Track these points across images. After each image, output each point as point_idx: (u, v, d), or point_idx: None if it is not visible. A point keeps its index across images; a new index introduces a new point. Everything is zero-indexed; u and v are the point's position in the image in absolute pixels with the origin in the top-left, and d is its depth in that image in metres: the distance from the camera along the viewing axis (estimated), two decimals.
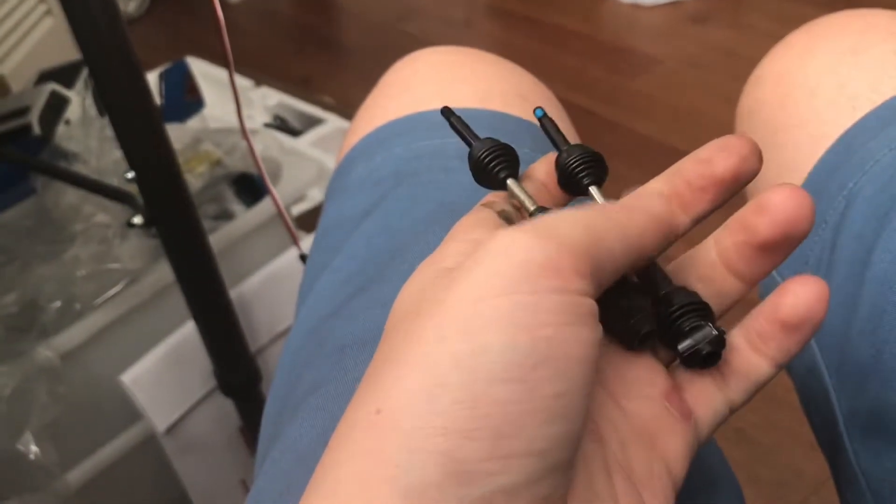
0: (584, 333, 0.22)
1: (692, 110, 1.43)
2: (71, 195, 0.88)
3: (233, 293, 0.81)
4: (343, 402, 0.33)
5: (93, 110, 1.00)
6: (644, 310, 0.26)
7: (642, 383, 0.26)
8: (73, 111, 1.03)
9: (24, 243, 0.88)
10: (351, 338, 0.36)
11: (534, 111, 0.31)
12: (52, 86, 1.04)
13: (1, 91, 1.17)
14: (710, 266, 0.27)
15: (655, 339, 0.26)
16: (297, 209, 1.20)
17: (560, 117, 0.47)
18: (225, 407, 0.86)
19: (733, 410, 0.27)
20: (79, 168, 0.89)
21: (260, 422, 0.40)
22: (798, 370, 0.40)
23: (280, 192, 0.89)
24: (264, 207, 0.92)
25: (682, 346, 0.25)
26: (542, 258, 0.22)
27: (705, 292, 0.27)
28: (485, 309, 0.21)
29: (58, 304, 0.82)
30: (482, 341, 0.21)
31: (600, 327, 0.22)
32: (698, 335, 0.25)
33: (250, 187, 0.98)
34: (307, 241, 0.89)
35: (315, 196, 1.25)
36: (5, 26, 1.23)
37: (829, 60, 0.41)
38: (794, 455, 0.93)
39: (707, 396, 0.26)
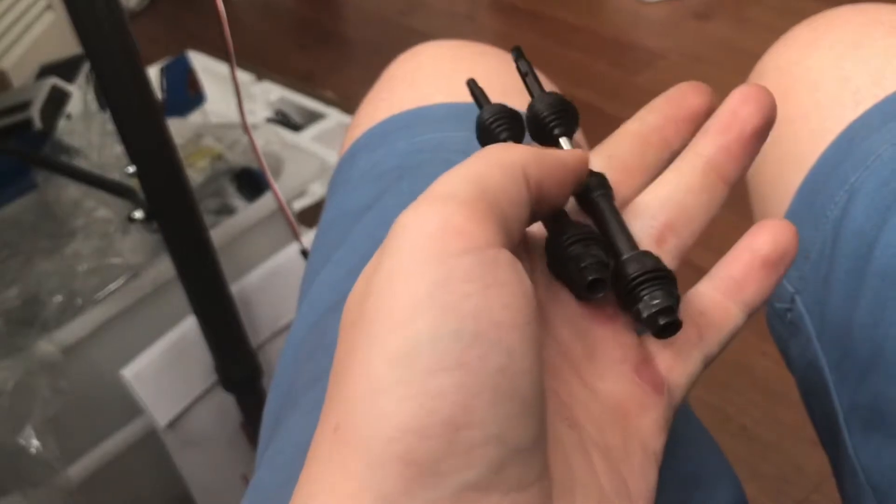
0: (508, 293, 0.21)
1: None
2: (72, 190, 0.88)
3: (234, 288, 0.81)
4: None
5: (94, 105, 1.00)
6: (595, 257, 0.25)
7: (612, 360, 0.25)
8: (74, 106, 1.02)
9: (26, 238, 0.88)
10: None
11: (511, 50, 0.31)
12: (53, 80, 1.04)
13: (2, 85, 1.17)
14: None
15: (605, 288, 0.25)
16: (299, 204, 1.20)
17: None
18: (226, 402, 0.86)
19: (708, 364, 0.26)
20: (80, 163, 0.89)
21: (261, 417, 0.40)
22: (798, 364, 0.39)
23: (281, 186, 0.89)
24: (265, 202, 0.92)
25: (641, 315, 0.25)
26: (440, 222, 0.21)
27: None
28: (402, 296, 0.20)
29: (59, 298, 0.82)
30: (409, 333, 0.20)
31: (525, 280, 0.21)
32: (654, 303, 0.24)
33: (251, 182, 0.98)
34: (308, 236, 0.89)
35: (316, 191, 1.25)
36: (6, 21, 1.23)
37: (831, 54, 0.41)
38: (796, 451, 0.93)
39: (682, 358, 0.26)
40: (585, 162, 0.26)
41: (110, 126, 0.87)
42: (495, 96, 0.44)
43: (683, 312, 0.26)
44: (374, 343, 0.20)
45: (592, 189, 0.27)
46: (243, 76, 1.49)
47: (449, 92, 0.45)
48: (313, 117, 1.47)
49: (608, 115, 1.44)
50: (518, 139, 0.29)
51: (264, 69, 1.60)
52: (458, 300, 0.20)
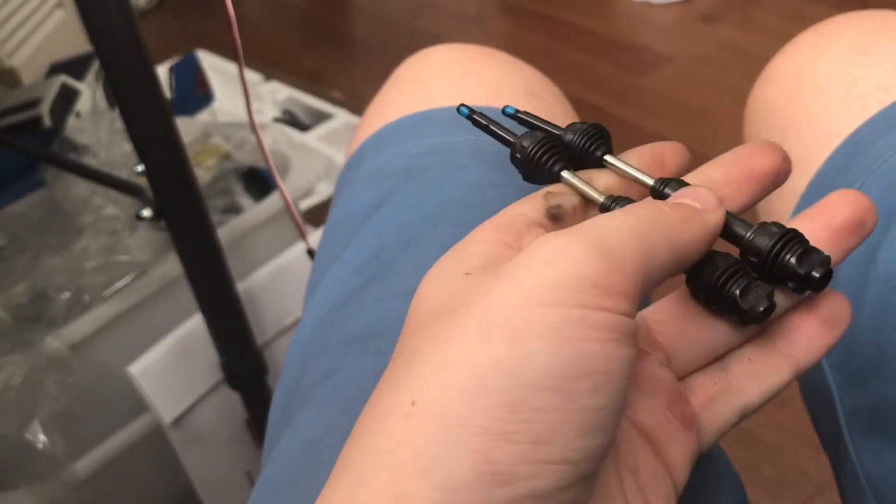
0: (624, 352, 0.22)
1: (702, 108, 1.42)
2: (80, 187, 0.88)
3: (240, 286, 0.81)
4: (352, 393, 0.34)
5: (103, 103, 1.01)
6: (756, 289, 0.25)
7: (645, 392, 0.26)
8: (83, 104, 1.03)
9: (34, 234, 0.89)
10: (360, 329, 0.36)
11: (503, 110, 0.31)
12: (63, 78, 1.04)
13: (12, 83, 1.18)
14: None
15: (770, 314, 0.25)
16: (305, 204, 1.20)
17: (568, 114, 0.48)
18: (231, 399, 0.86)
19: (745, 416, 0.27)
20: (88, 160, 0.89)
21: (266, 415, 0.41)
22: None
23: (288, 186, 0.89)
24: (272, 201, 0.92)
25: (796, 279, 0.25)
26: (592, 275, 0.22)
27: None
28: (531, 316, 0.21)
29: (67, 295, 0.83)
30: (527, 348, 0.21)
31: (637, 347, 0.22)
32: (805, 262, 0.25)
33: (259, 181, 0.98)
34: (315, 236, 0.89)
35: (323, 191, 1.25)
36: (17, 19, 1.23)
37: (838, 60, 0.41)
38: (798, 455, 0.93)
39: (717, 403, 0.26)
40: (720, 223, 0.26)
41: (119, 124, 0.88)
42: (504, 100, 0.45)
43: (732, 359, 0.26)
44: (485, 342, 0.21)
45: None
46: (251, 76, 1.50)
47: (457, 94, 0.45)
48: (321, 117, 1.48)
49: (615, 118, 1.44)
50: (568, 165, 0.28)
51: (272, 69, 1.61)
52: (583, 339, 0.21)
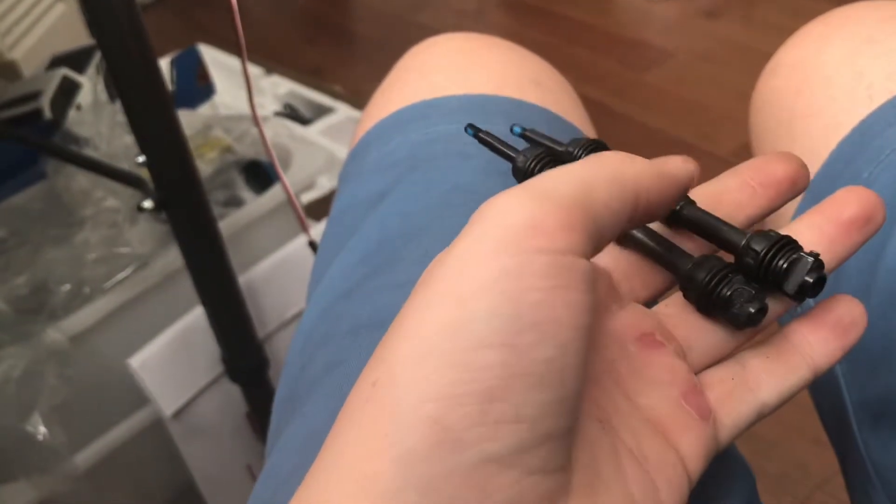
0: (573, 296, 0.21)
1: (704, 104, 1.42)
2: (81, 179, 0.88)
3: (241, 279, 0.81)
4: (356, 383, 0.34)
5: (104, 95, 1.01)
6: (746, 292, 0.25)
7: (658, 381, 0.25)
8: (84, 96, 1.03)
9: (35, 226, 0.89)
10: (365, 319, 0.36)
11: (511, 129, 0.31)
12: (64, 71, 1.04)
13: (13, 75, 1.18)
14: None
15: (763, 317, 0.25)
16: (307, 197, 1.20)
17: (574, 104, 0.47)
18: (232, 392, 0.86)
19: (762, 416, 0.26)
20: (89, 153, 0.89)
21: (267, 408, 0.41)
22: None
23: (289, 179, 0.89)
24: (274, 194, 0.92)
25: (789, 286, 0.25)
26: (527, 218, 0.21)
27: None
28: (471, 274, 0.21)
29: (67, 287, 0.83)
30: (468, 308, 0.21)
31: (593, 291, 0.22)
32: (798, 268, 0.25)
33: (260, 174, 0.98)
34: (316, 229, 0.89)
35: (324, 184, 1.25)
36: (18, 11, 1.23)
37: (845, 50, 0.41)
38: (799, 450, 0.93)
39: (735, 398, 0.26)
40: (692, 175, 0.25)
41: (120, 117, 0.88)
42: (510, 90, 0.45)
43: (749, 356, 0.26)
44: (430, 311, 0.21)
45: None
46: (253, 69, 1.50)
47: (462, 83, 0.45)
48: (321, 111, 1.47)
49: (616, 114, 1.44)
50: None
51: (274, 63, 1.61)
52: (523, 291, 0.21)
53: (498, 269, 0.21)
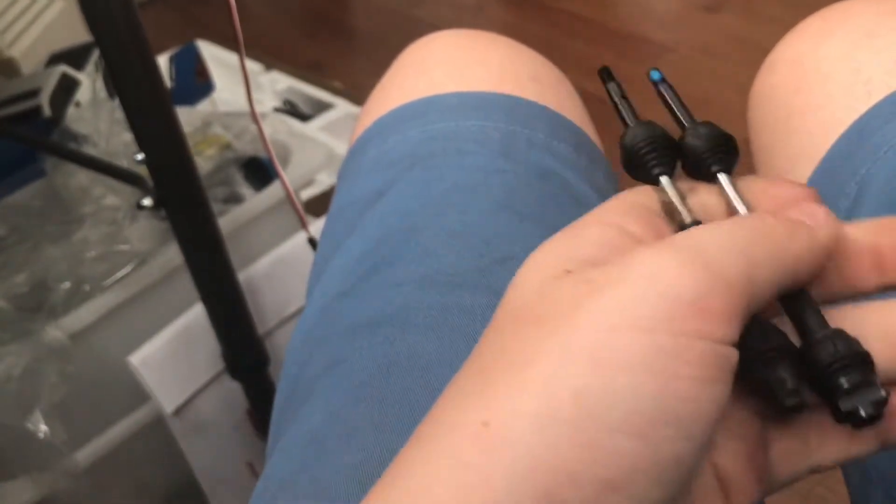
0: (718, 391, 0.19)
1: (704, 98, 1.42)
2: (80, 177, 0.88)
3: (241, 276, 0.81)
4: (358, 381, 0.34)
5: (103, 93, 1.01)
6: (794, 376, 0.22)
7: (733, 434, 0.23)
8: (83, 93, 1.03)
9: (35, 224, 0.89)
10: (364, 318, 0.36)
11: (648, 74, 0.28)
12: (63, 68, 1.04)
13: (11, 73, 1.17)
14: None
15: (802, 410, 0.23)
16: (306, 194, 1.20)
17: (573, 101, 0.47)
18: (232, 389, 0.86)
19: (815, 472, 0.24)
20: (88, 150, 0.89)
21: (267, 405, 0.41)
22: None
23: (289, 176, 0.89)
24: (273, 191, 0.92)
25: (844, 406, 0.22)
26: (693, 295, 0.19)
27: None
28: (620, 342, 0.19)
29: (67, 284, 0.83)
30: (610, 380, 0.19)
31: (732, 383, 0.20)
32: (860, 396, 0.22)
33: (259, 171, 0.98)
34: (315, 226, 0.89)
35: (324, 181, 1.25)
36: (16, 8, 1.23)
37: (844, 45, 0.41)
38: None
39: (794, 456, 0.24)
40: (832, 238, 0.23)
41: (119, 114, 0.87)
42: (509, 87, 0.44)
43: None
44: (568, 373, 0.19)
45: None
46: (251, 66, 1.49)
47: (461, 80, 0.45)
48: (321, 107, 1.47)
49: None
50: (670, 171, 0.25)
51: (273, 59, 1.60)
52: (673, 377, 0.19)
53: (652, 345, 0.19)
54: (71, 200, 0.89)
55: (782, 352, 0.22)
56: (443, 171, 0.40)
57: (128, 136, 0.86)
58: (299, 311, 0.41)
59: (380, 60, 0.55)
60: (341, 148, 1.21)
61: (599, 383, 0.19)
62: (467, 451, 0.19)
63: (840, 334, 0.22)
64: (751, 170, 0.45)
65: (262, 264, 0.89)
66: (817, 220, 0.22)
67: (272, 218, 0.92)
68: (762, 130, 0.45)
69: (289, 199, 0.84)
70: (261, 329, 0.84)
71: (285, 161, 0.94)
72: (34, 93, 1.00)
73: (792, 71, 0.43)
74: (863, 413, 0.22)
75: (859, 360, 0.22)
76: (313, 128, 1.40)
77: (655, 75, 0.28)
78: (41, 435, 0.75)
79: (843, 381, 0.22)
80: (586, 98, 0.51)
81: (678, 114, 0.27)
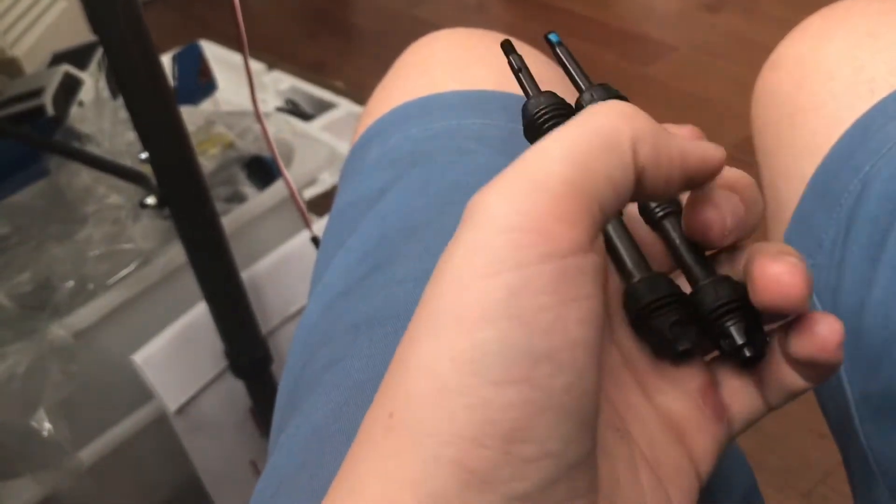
0: (585, 308, 0.19)
1: (706, 98, 1.42)
2: (84, 176, 0.88)
3: (244, 275, 0.81)
4: (359, 379, 0.34)
5: (106, 92, 1.01)
6: (683, 324, 0.24)
7: (680, 378, 0.24)
8: (86, 93, 1.03)
9: (38, 223, 0.89)
10: (365, 316, 0.36)
11: (545, 36, 0.28)
12: (66, 67, 1.04)
13: (15, 72, 1.18)
14: None
15: (695, 355, 0.24)
16: (309, 193, 1.20)
17: (573, 98, 0.47)
18: (236, 388, 0.86)
19: (771, 409, 0.26)
20: (92, 149, 0.89)
21: (271, 403, 0.41)
22: None
23: (292, 175, 0.89)
24: (276, 190, 0.92)
25: (726, 347, 0.24)
26: (522, 218, 0.19)
27: None
28: (473, 295, 0.19)
29: (71, 283, 0.83)
30: (477, 338, 0.19)
31: (602, 287, 0.20)
32: (740, 335, 0.23)
33: (262, 170, 0.98)
34: (318, 225, 0.89)
35: (326, 180, 1.25)
36: (19, 8, 1.23)
37: (846, 43, 0.41)
38: (802, 443, 0.93)
39: (745, 395, 0.25)
40: (721, 160, 0.23)
41: (122, 113, 0.88)
42: (509, 85, 0.44)
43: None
44: (441, 342, 0.19)
45: (662, 206, 0.25)
46: (254, 65, 1.49)
47: (462, 79, 0.45)
48: (323, 107, 1.47)
49: None
50: None
51: (275, 58, 1.61)
52: (533, 313, 0.19)
53: (501, 287, 0.19)
54: (74, 199, 0.89)
55: (671, 300, 0.24)
56: (444, 170, 0.40)
57: (131, 136, 0.86)
58: (302, 310, 0.41)
59: (382, 60, 0.55)
60: (344, 147, 1.22)
61: (468, 343, 0.19)
62: (383, 443, 0.20)
63: (723, 280, 0.24)
64: (753, 168, 0.45)
65: (265, 263, 0.89)
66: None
67: (275, 217, 0.92)
68: (765, 128, 0.45)
69: (292, 198, 0.85)
70: (264, 328, 0.84)
71: (288, 160, 0.94)
72: (37, 92, 1.00)
73: (795, 69, 0.43)
74: (747, 353, 0.23)
75: (740, 303, 0.24)
76: (316, 127, 1.40)
77: (553, 37, 0.29)
78: (45, 433, 0.75)
79: (727, 324, 0.23)
80: None
81: (575, 76, 0.28)
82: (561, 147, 0.20)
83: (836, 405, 0.37)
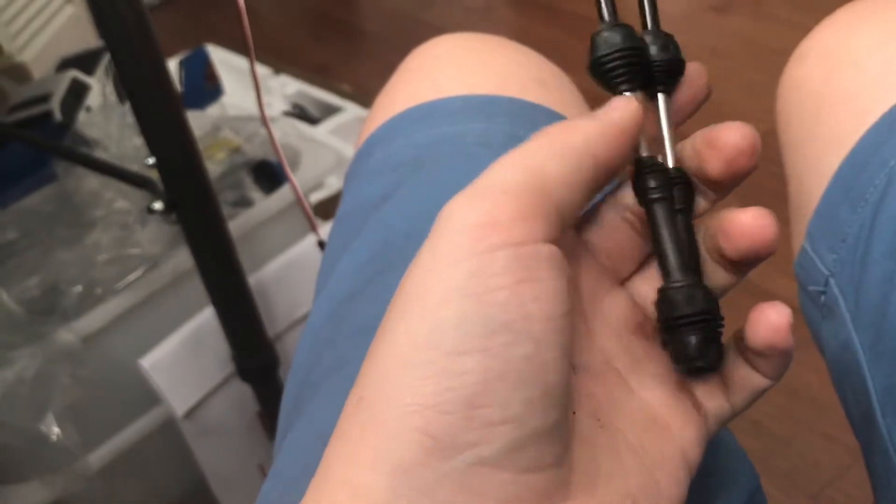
0: (541, 287, 0.21)
1: (713, 99, 1.42)
2: (92, 181, 0.89)
3: (251, 279, 0.81)
4: None
5: (113, 97, 1.01)
6: (709, 342, 0.25)
7: (656, 373, 0.25)
8: (93, 98, 1.03)
9: (46, 228, 0.89)
10: (370, 320, 0.36)
11: None
12: (73, 73, 1.05)
13: (23, 78, 1.18)
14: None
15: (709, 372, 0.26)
16: (316, 196, 1.20)
17: (579, 105, 0.47)
18: (243, 392, 0.86)
19: (736, 413, 0.27)
20: (99, 154, 0.89)
21: (277, 407, 0.41)
22: (831, 347, 0.39)
23: (298, 179, 0.89)
24: (283, 194, 0.92)
25: (683, 356, 0.25)
26: (481, 216, 0.21)
27: None
28: (435, 282, 0.21)
29: (79, 288, 0.83)
30: (437, 317, 0.21)
31: (564, 275, 0.22)
32: (693, 349, 0.25)
33: (269, 174, 0.99)
34: (325, 228, 0.89)
35: (333, 184, 1.26)
36: (27, 14, 1.23)
37: (875, 36, 0.41)
38: (809, 446, 0.93)
39: (713, 396, 0.26)
40: (637, 117, 0.25)
41: (129, 118, 0.88)
42: (514, 90, 0.45)
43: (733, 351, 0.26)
44: (403, 325, 0.21)
45: (650, 190, 0.26)
46: (261, 69, 1.50)
47: (466, 84, 0.45)
48: (330, 111, 1.48)
49: None
50: (636, 87, 0.27)
51: (281, 62, 1.61)
52: (489, 291, 0.21)
53: (461, 272, 0.21)
54: (82, 204, 0.89)
55: (704, 318, 0.25)
56: (448, 175, 0.40)
57: (138, 140, 0.87)
58: (309, 314, 0.42)
59: (388, 63, 0.55)
60: (350, 151, 1.22)
61: (432, 325, 0.21)
62: (351, 427, 0.22)
63: (691, 287, 0.25)
64: (777, 162, 0.44)
65: (272, 267, 0.89)
66: (611, 106, 0.25)
67: (282, 221, 0.93)
68: (792, 121, 0.44)
69: (298, 202, 0.85)
70: (271, 332, 0.84)
71: (295, 164, 0.95)
72: (45, 97, 1.00)
73: (822, 62, 0.42)
74: (701, 363, 0.25)
75: (701, 316, 0.24)
76: (322, 131, 1.40)
77: None
78: (53, 437, 0.75)
79: (688, 336, 0.24)
80: (594, 99, 0.51)
81: (647, 14, 0.30)
82: (515, 160, 0.23)
83: (857, 399, 0.37)
